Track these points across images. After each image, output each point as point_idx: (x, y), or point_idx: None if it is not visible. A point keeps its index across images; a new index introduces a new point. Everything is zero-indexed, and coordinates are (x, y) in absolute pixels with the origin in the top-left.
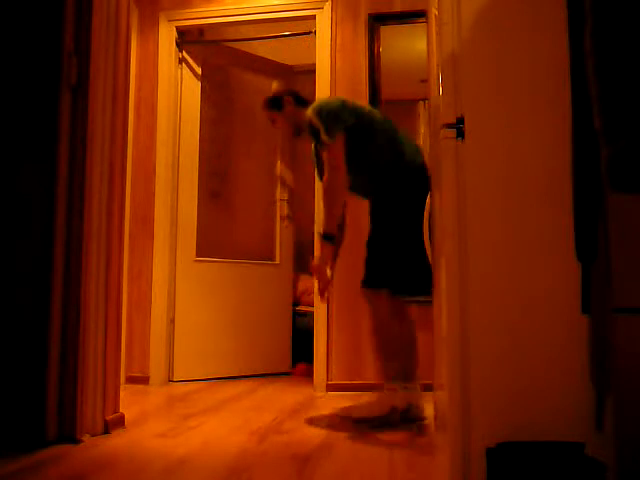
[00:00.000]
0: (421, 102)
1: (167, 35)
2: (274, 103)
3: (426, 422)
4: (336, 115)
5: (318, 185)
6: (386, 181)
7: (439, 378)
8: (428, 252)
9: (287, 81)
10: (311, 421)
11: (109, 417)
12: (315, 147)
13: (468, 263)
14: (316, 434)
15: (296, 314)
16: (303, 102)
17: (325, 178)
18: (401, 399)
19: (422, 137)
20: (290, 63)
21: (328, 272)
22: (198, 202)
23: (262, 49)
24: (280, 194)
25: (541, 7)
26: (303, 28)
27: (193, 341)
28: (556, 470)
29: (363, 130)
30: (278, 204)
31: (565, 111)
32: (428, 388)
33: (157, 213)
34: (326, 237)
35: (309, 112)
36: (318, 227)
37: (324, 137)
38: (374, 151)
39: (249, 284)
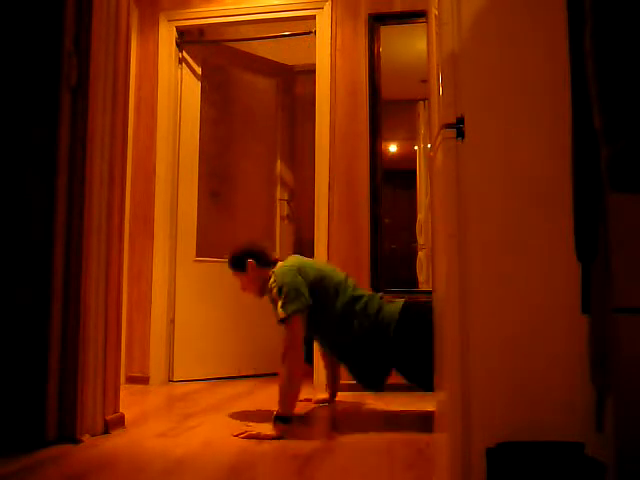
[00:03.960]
0: (421, 102)
1: (167, 35)
2: (237, 263)
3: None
4: (297, 296)
5: (318, 185)
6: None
7: (439, 378)
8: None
9: (287, 82)
10: (311, 421)
11: (109, 417)
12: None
13: (468, 263)
14: (316, 434)
15: None
16: (267, 263)
17: (285, 362)
18: None
19: (422, 137)
20: (290, 63)
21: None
22: (198, 202)
23: (262, 49)
24: (280, 194)
25: (541, 7)
26: (303, 28)
27: (193, 341)
28: (556, 470)
29: (317, 294)
30: (278, 204)
31: (565, 111)
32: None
33: (157, 213)
34: (282, 419)
35: (271, 281)
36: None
37: (280, 311)
38: (330, 310)
39: None
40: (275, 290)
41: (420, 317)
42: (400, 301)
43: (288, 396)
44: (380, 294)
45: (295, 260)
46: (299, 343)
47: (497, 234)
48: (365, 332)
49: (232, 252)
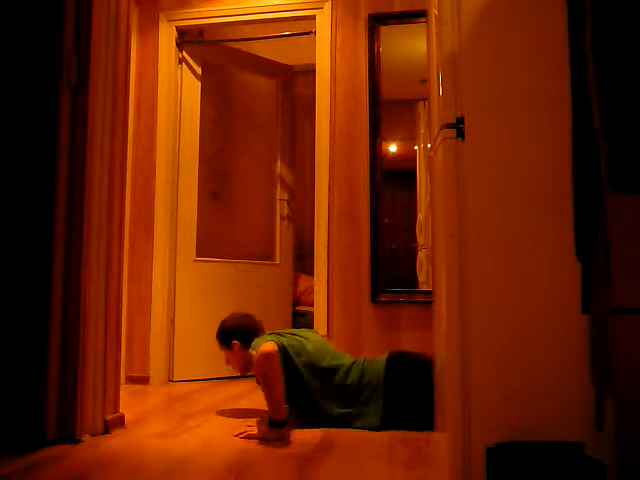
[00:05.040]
0: (421, 102)
1: (167, 35)
2: (223, 340)
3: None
4: (270, 337)
5: (318, 185)
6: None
7: (439, 378)
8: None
9: (287, 82)
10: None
11: (109, 417)
12: None
13: (468, 263)
14: (316, 434)
15: (296, 314)
16: (251, 342)
17: (260, 369)
18: None
19: (422, 137)
20: (290, 63)
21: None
22: (198, 202)
23: (262, 49)
24: (280, 194)
25: (541, 7)
26: (303, 28)
27: (193, 341)
28: (556, 470)
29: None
30: (278, 204)
31: (565, 111)
32: None
33: (157, 213)
34: (276, 425)
35: (254, 357)
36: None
37: (253, 353)
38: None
39: (249, 284)
40: (254, 353)
41: (406, 372)
42: (382, 359)
43: (274, 403)
44: (360, 358)
45: (271, 332)
46: (270, 350)
47: (497, 234)
48: (344, 401)
49: (221, 326)
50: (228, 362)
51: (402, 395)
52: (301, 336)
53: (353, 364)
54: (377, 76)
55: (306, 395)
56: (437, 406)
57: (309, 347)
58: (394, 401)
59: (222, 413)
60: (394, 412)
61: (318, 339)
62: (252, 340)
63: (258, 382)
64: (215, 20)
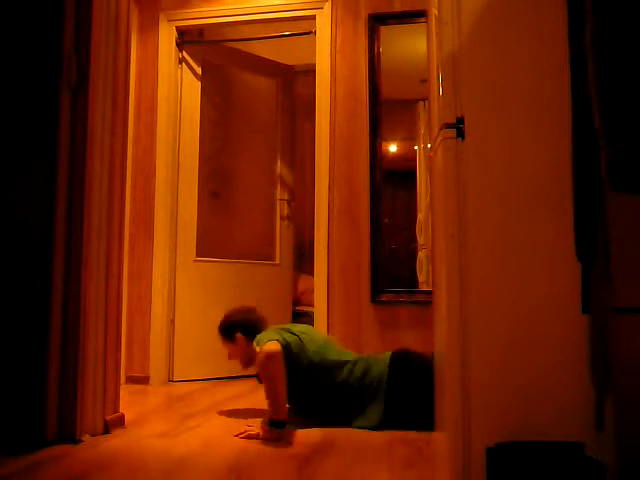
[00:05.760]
0: (421, 102)
1: (167, 35)
2: (226, 334)
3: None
4: (274, 333)
5: (318, 185)
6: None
7: (439, 378)
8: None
9: (287, 82)
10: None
11: (109, 417)
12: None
13: (468, 263)
14: (316, 434)
15: (296, 314)
16: (255, 335)
17: (263, 369)
18: None
19: (422, 137)
20: (290, 63)
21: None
22: (198, 202)
23: (262, 49)
24: (280, 194)
25: (541, 7)
26: (303, 28)
27: (193, 341)
28: (556, 470)
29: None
30: (278, 204)
31: (565, 111)
32: None
33: (157, 213)
34: (277, 425)
35: (257, 349)
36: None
37: (257, 348)
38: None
39: (249, 284)
40: (258, 349)
41: (410, 371)
42: (386, 356)
43: (275, 403)
44: (364, 356)
45: (276, 326)
46: (273, 350)
47: (497, 234)
48: (347, 399)
49: (223, 319)
50: (230, 357)
51: (404, 394)
52: (305, 332)
53: (356, 362)
54: (377, 76)
55: (308, 392)
56: (437, 406)
57: (313, 344)
58: (396, 400)
59: (222, 413)
60: (395, 411)
61: (322, 336)
62: (256, 333)
63: (260, 380)
64: (215, 20)
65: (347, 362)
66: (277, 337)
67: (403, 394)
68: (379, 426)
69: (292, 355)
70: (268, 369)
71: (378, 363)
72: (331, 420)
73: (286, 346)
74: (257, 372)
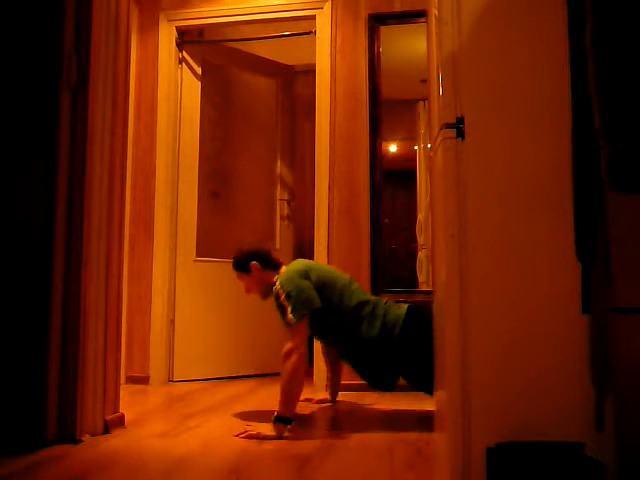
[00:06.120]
0: (421, 102)
1: (167, 35)
2: (241, 266)
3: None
4: (306, 299)
5: (318, 185)
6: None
7: (439, 378)
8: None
9: (287, 82)
10: (311, 421)
11: (109, 417)
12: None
13: (468, 263)
14: (316, 434)
15: None
16: (271, 265)
17: (288, 363)
18: None
19: (422, 137)
20: (290, 63)
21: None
22: (198, 202)
23: (262, 49)
24: (280, 194)
25: (541, 7)
26: (303, 28)
27: (193, 341)
28: (556, 470)
29: (323, 297)
30: (278, 204)
31: (565, 110)
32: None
33: (157, 213)
34: (283, 420)
35: (277, 286)
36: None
37: (290, 317)
38: (334, 308)
39: None
40: (283, 296)
41: (425, 322)
42: (405, 305)
43: (290, 397)
44: (385, 299)
45: (300, 264)
46: (303, 345)
47: (497, 234)
48: (372, 337)
49: (236, 254)
50: (248, 290)
51: (415, 348)
52: (331, 274)
53: (378, 301)
54: (377, 76)
55: (335, 331)
56: (438, 405)
57: (341, 280)
58: (407, 352)
59: (222, 413)
60: (405, 364)
61: (344, 275)
62: (270, 261)
63: (282, 368)
64: (215, 20)
65: (370, 300)
66: (307, 309)
67: (414, 348)
68: (390, 377)
69: (321, 291)
70: (291, 366)
71: (395, 310)
72: (356, 358)
73: (316, 285)
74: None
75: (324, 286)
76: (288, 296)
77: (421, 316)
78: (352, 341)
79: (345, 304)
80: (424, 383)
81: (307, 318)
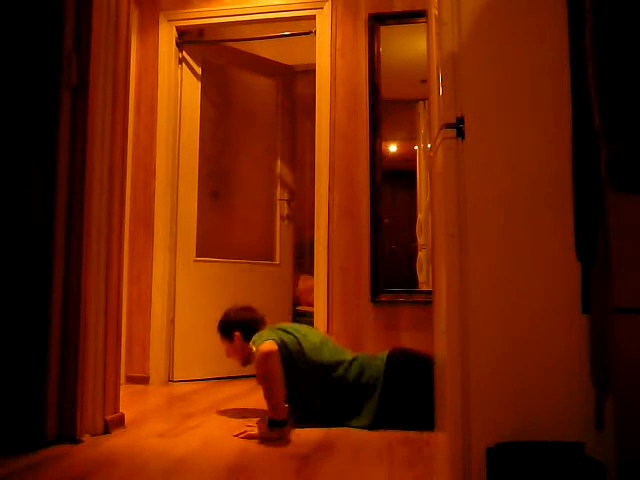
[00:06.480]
0: (421, 102)
1: (167, 35)
2: (225, 332)
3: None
4: (269, 333)
5: (318, 185)
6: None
7: (439, 378)
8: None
9: (287, 82)
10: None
11: (109, 417)
12: None
13: (468, 263)
14: (316, 434)
15: (296, 314)
16: (252, 335)
17: (259, 369)
18: None
19: (422, 137)
20: (290, 63)
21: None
22: (198, 202)
23: (262, 49)
24: (280, 194)
25: (541, 7)
26: (303, 28)
27: (193, 341)
28: (556, 470)
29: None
30: (278, 204)
31: (565, 110)
32: None
33: (157, 213)
34: (276, 424)
35: (253, 349)
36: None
37: (253, 347)
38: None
39: (249, 284)
40: (254, 348)
41: (406, 369)
42: (383, 355)
43: (274, 401)
44: (361, 354)
45: (273, 326)
46: (271, 350)
47: (497, 234)
48: (343, 398)
49: (222, 318)
50: (229, 355)
51: (401, 392)
52: (301, 331)
53: (353, 361)
54: (377, 76)
55: (305, 391)
56: (437, 406)
57: (309, 342)
58: (391, 398)
59: (222, 413)
60: (390, 410)
61: (319, 335)
62: (253, 333)
63: (259, 381)
64: (215, 20)
65: (343, 361)
66: (273, 336)
67: (399, 393)
68: (373, 425)
69: (289, 354)
70: (265, 369)
71: (375, 362)
72: (328, 419)
73: (282, 345)
74: (255, 372)
75: (295, 346)
76: (254, 342)
77: (401, 366)
78: (325, 401)
79: (315, 365)
80: (423, 423)
81: (271, 342)
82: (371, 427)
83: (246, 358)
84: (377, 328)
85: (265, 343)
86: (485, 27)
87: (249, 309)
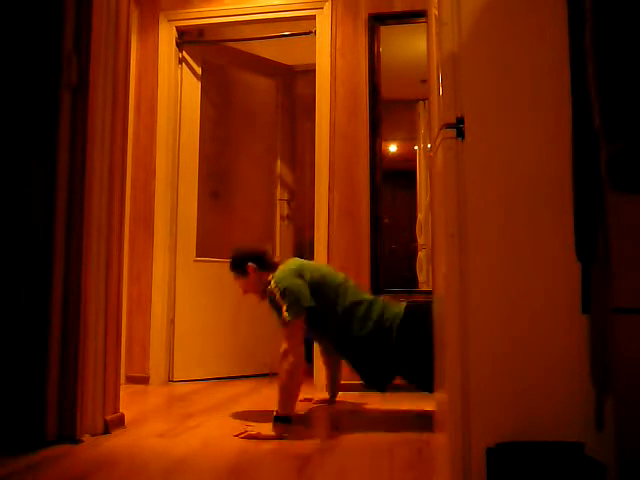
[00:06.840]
0: (421, 102)
1: (167, 35)
2: (238, 267)
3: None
4: (301, 298)
5: (318, 185)
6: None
7: (439, 378)
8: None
9: (287, 82)
10: (311, 421)
11: (109, 417)
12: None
13: (468, 263)
14: (316, 434)
15: None
16: (268, 266)
17: (285, 362)
18: None
19: (422, 137)
20: (290, 63)
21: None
22: (198, 202)
23: (262, 49)
24: (280, 194)
25: (541, 7)
26: (303, 28)
27: (193, 341)
28: (556, 470)
29: (318, 295)
30: (278, 204)
31: (565, 110)
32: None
33: (157, 213)
34: (282, 420)
35: (272, 285)
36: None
37: (285, 315)
38: (330, 308)
39: None
40: (278, 294)
41: (423, 320)
42: (403, 303)
43: (288, 396)
44: (382, 297)
45: (294, 263)
46: (300, 344)
47: (497, 234)
48: (366, 337)
49: (233, 255)
50: (245, 291)
51: (413, 346)
52: (321, 271)
53: (375, 301)
54: (377, 76)
55: (329, 325)
56: (437, 405)
57: (335, 279)
58: (405, 350)
59: (222, 413)
60: (403, 362)
61: (339, 273)
62: (265, 262)
63: (280, 369)
64: (215, 20)
65: (365, 300)
66: (301, 308)
67: (412, 346)
68: (386, 376)
69: (315, 291)
70: (289, 366)
71: (393, 309)
72: (352, 357)
73: (311, 283)
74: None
75: (318, 285)
76: (283, 294)
77: (419, 314)
78: (345, 340)
79: (339, 303)
80: (424, 381)
81: (303, 316)
82: (383, 377)
83: (263, 291)
84: None
85: (292, 341)
86: (485, 27)
87: (255, 243)
